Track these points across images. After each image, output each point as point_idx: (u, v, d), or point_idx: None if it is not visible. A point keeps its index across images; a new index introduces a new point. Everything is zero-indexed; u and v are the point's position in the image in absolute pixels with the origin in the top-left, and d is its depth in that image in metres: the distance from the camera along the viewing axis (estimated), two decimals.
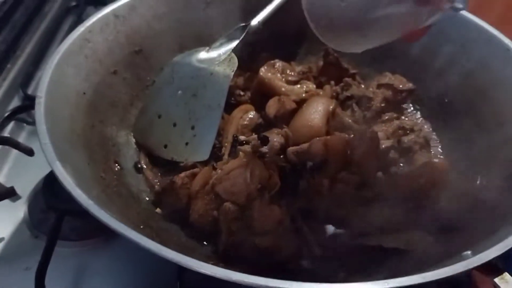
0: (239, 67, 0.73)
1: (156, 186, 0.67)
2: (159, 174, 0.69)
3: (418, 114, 0.81)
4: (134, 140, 0.73)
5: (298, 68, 0.84)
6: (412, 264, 0.58)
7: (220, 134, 0.72)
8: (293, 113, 0.72)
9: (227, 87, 0.68)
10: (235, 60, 0.71)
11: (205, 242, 0.60)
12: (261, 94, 0.78)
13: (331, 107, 0.71)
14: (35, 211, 0.72)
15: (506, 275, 0.43)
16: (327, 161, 0.66)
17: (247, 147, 0.66)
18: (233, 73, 0.69)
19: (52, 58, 0.65)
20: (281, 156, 0.67)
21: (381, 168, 0.69)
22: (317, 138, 0.66)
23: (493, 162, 0.66)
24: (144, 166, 0.69)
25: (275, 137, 0.68)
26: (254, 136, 0.69)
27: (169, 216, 0.63)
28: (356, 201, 0.65)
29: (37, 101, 0.58)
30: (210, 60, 0.72)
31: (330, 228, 0.64)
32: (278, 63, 0.81)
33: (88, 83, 0.69)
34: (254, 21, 0.77)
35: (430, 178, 0.65)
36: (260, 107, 0.77)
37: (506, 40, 0.72)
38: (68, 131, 0.61)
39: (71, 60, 0.68)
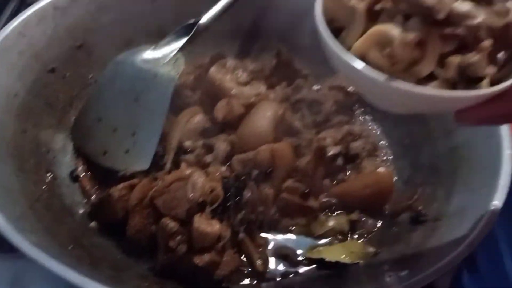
0: (189, 64, 0.70)
1: (92, 197, 0.63)
2: (97, 183, 0.65)
3: (368, 118, 0.79)
4: (72, 145, 0.69)
5: (251, 67, 0.81)
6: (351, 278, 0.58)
7: (164, 139, 0.69)
8: (242, 118, 0.69)
9: (171, 92, 0.64)
10: (182, 61, 0.68)
11: (142, 259, 0.58)
12: (211, 95, 0.75)
13: (279, 112, 0.69)
14: None
15: None
16: (274, 169, 0.65)
17: (190, 156, 0.63)
18: (178, 76, 0.66)
19: None
20: (227, 165, 0.65)
21: (327, 175, 0.68)
22: (264, 146, 0.65)
23: (436, 172, 0.66)
24: (81, 175, 0.65)
25: (221, 145, 0.66)
26: (200, 143, 0.66)
27: (105, 230, 0.60)
28: (301, 211, 0.64)
29: None
30: (155, 61, 0.68)
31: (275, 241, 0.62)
32: (230, 62, 0.78)
33: (21, 82, 0.65)
34: (204, 19, 0.73)
35: (376, 188, 0.65)
36: (209, 109, 0.74)
37: None
38: None
39: (2, 58, 0.63)
